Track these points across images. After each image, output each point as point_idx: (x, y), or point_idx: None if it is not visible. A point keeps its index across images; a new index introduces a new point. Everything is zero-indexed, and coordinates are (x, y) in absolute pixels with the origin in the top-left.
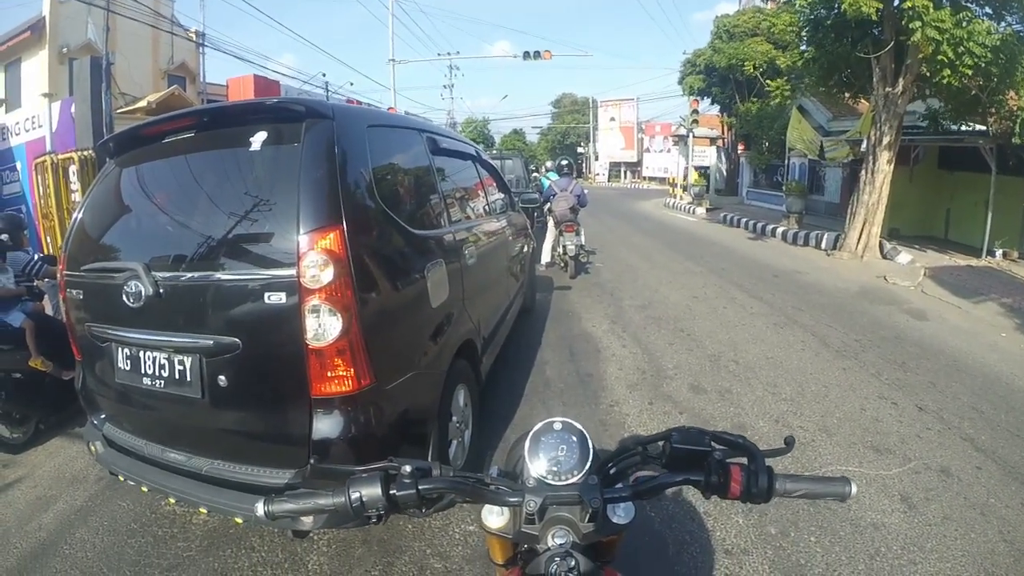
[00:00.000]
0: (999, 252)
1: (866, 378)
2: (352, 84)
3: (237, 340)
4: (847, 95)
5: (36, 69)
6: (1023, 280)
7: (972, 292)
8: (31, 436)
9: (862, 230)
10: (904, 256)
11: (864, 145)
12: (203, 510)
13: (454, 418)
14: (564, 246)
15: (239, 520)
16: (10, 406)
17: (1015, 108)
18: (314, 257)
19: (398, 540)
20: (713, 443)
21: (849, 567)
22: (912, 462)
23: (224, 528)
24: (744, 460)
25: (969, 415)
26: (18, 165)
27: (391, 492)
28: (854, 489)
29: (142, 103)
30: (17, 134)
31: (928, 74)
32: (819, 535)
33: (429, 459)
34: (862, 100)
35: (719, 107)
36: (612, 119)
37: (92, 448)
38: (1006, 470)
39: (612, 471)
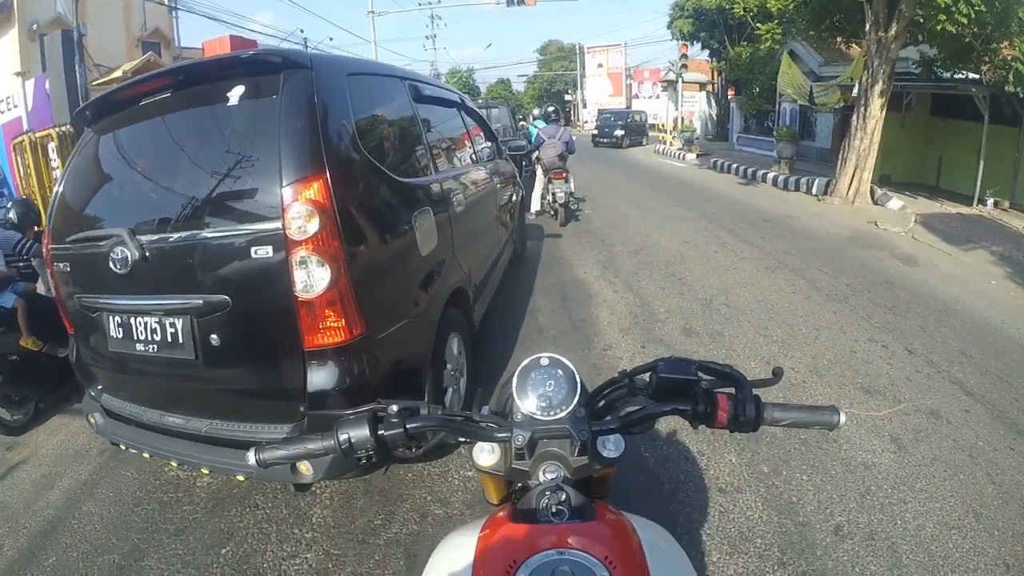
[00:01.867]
0: (990, 201)
1: (856, 321)
2: (332, 39)
3: (226, 298)
4: (839, 40)
5: (6, 48)
6: (1013, 229)
7: (962, 240)
8: (31, 417)
9: (853, 176)
10: (895, 202)
11: (855, 91)
12: (205, 471)
13: (448, 366)
14: (553, 193)
15: (241, 478)
16: (8, 388)
17: (1009, 57)
18: (299, 208)
19: (399, 489)
20: (700, 372)
21: (840, 505)
22: (902, 404)
23: (228, 488)
24: (732, 390)
25: (958, 359)
26: None
27: (379, 432)
28: (842, 418)
29: (117, 73)
30: None
31: (922, 19)
32: (810, 473)
33: None
34: (854, 45)
35: (709, 52)
36: (600, 65)
37: (91, 420)
38: (994, 414)
39: (600, 404)
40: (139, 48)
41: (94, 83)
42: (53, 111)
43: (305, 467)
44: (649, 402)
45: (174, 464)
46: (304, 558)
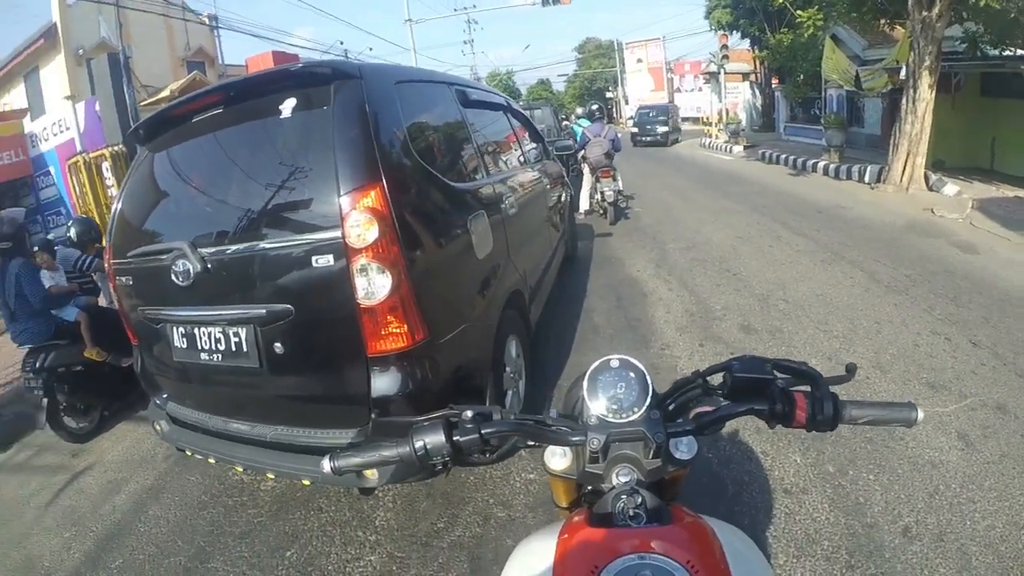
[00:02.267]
0: None
1: (918, 313)
2: (371, 49)
3: (289, 306)
4: (882, 22)
5: (55, 74)
6: None
7: (1022, 224)
8: (96, 424)
9: (906, 162)
10: (950, 188)
11: (903, 73)
12: (270, 475)
13: (507, 369)
14: (602, 192)
15: (306, 482)
16: (74, 398)
17: None
18: (357, 216)
19: (461, 492)
20: (775, 371)
21: (908, 505)
22: (968, 399)
23: (292, 492)
24: (807, 388)
25: None
26: (51, 169)
27: (454, 438)
28: (920, 414)
29: (164, 92)
30: (46, 139)
31: None
32: (877, 473)
33: None
34: (898, 26)
35: (749, 41)
36: (639, 60)
37: (157, 427)
38: None
39: (672, 406)
40: (184, 67)
41: (143, 103)
42: (105, 132)
43: (371, 472)
44: (723, 403)
45: (239, 469)
46: (368, 560)
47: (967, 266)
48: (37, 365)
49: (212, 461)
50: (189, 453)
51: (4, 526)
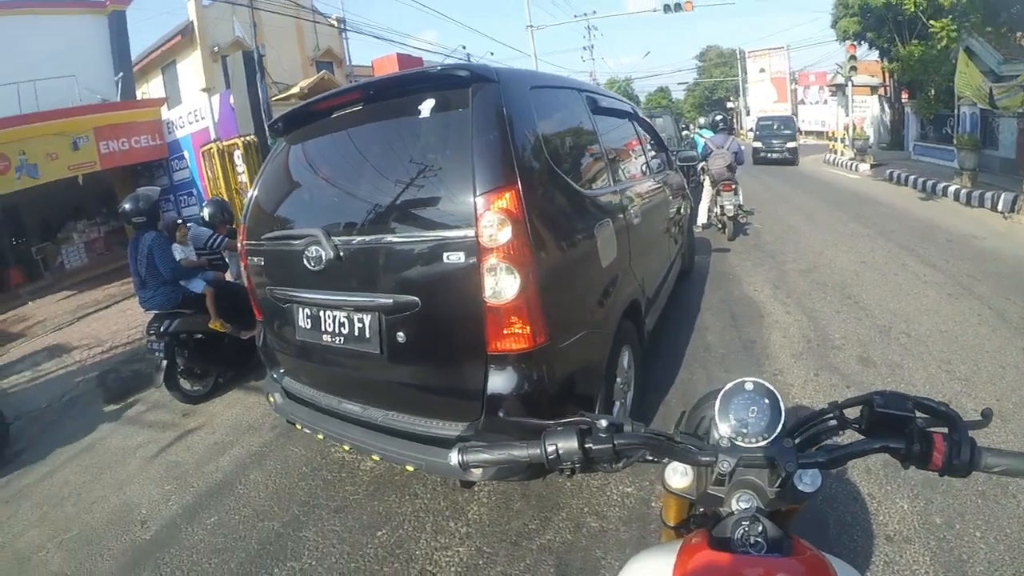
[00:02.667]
0: None
1: None
2: (492, 54)
3: (416, 299)
4: (1019, 35)
5: (191, 68)
6: None
7: None
8: (210, 389)
9: None
10: None
11: None
12: (375, 457)
13: (619, 379)
14: (722, 206)
15: (410, 468)
16: (192, 362)
17: None
18: (491, 217)
19: (556, 496)
20: (916, 410)
21: (1012, 568)
22: None
23: (390, 475)
24: (944, 430)
25: None
26: (186, 154)
27: (586, 445)
28: None
29: (295, 89)
30: (182, 127)
31: None
32: (984, 530)
33: None
34: None
35: (878, 52)
36: (762, 70)
37: (271, 399)
38: None
39: (798, 438)
40: (313, 67)
41: (274, 99)
42: (238, 123)
43: None
44: (857, 437)
45: (346, 448)
46: (456, 551)
47: None
48: (161, 329)
49: (320, 437)
50: (299, 427)
51: (108, 471)
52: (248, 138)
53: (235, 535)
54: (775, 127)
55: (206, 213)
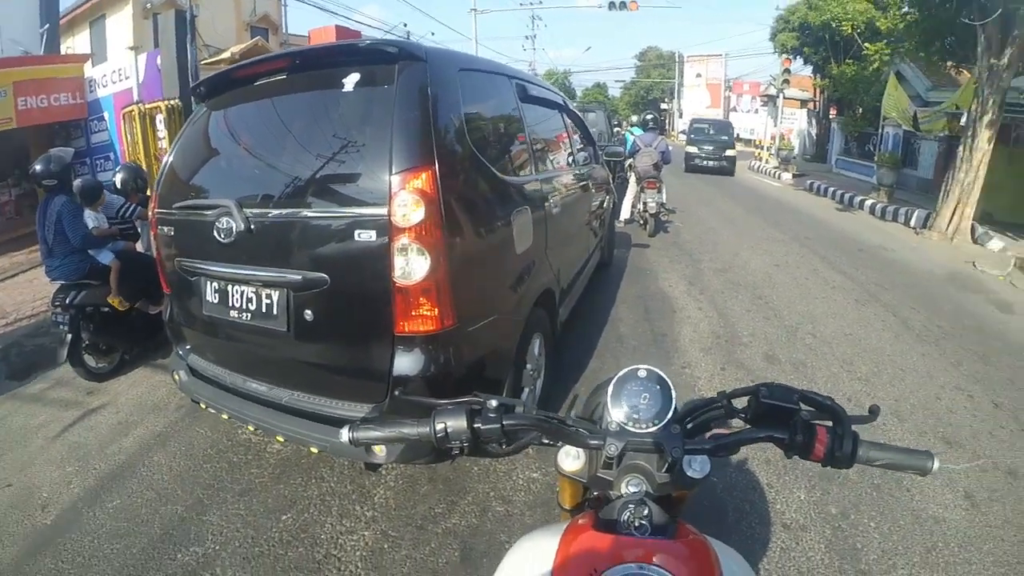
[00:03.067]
0: None
1: (945, 367)
2: (433, 34)
3: (325, 276)
4: (949, 64)
5: (120, 24)
6: None
7: None
8: (116, 366)
9: (954, 211)
10: (996, 243)
11: (964, 119)
12: (280, 438)
13: (528, 366)
14: (645, 203)
15: (314, 449)
16: (97, 337)
17: None
18: (405, 197)
19: (463, 480)
20: (801, 402)
21: (904, 557)
22: (981, 459)
23: (296, 457)
24: (829, 423)
25: None
26: (105, 115)
27: (475, 425)
28: (936, 464)
29: (226, 54)
30: (104, 86)
31: None
32: (878, 521)
33: None
34: (964, 71)
35: (812, 68)
36: (698, 75)
37: (176, 377)
38: None
39: (691, 424)
40: (248, 32)
41: (204, 62)
42: (163, 85)
43: (380, 448)
44: (744, 426)
45: (251, 428)
46: (361, 535)
47: (1002, 325)
48: (67, 301)
49: (225, 417)
50: (203, 406)
51: (8, 452)
52: (172, 102)
53: (138, 519)
54: (709, 131)
55: (118, 180)
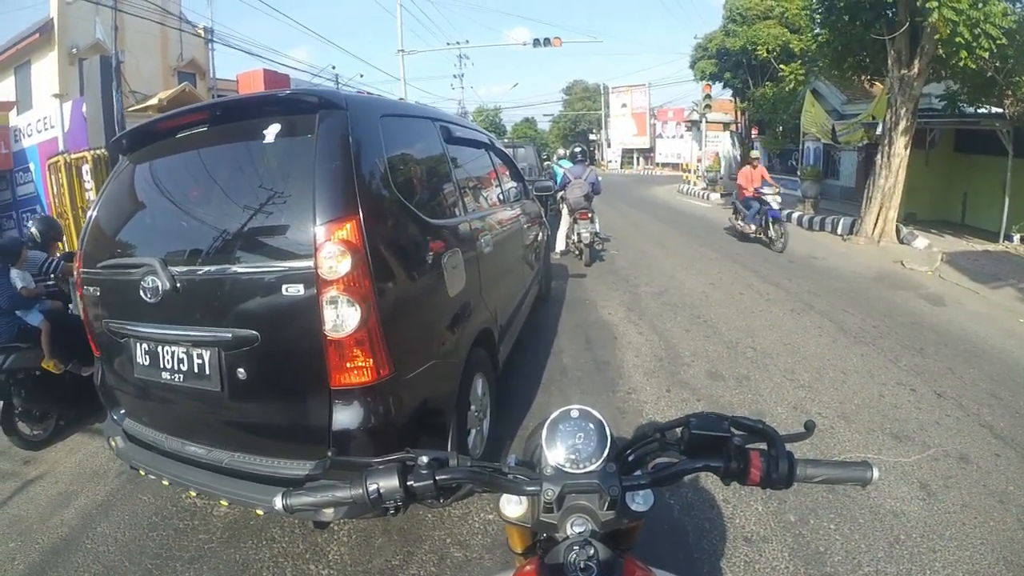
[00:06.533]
0: (1016, 237)
1: (884, 364)
2: (362, 76)
3: (255, 333)
4: (862, 78)
5: (46, 70)
6: None
7: (990, 277)
8: (51, 433)
9: (878, 215)
10: (921, 241)
11: (880, 128)
12: (224, 502)
13: (472, 407)
14: (579, 233)
15: (260, 512)
16: (30, 403)
17: None
18: (331, 248)
19: (418, 529)
20: (732, 428)
21: (869, 555)
22: (931, 449)
23: (245, 520)
24: (764, 445)
25: (988, 402)
26: (31, 166)
27: (408, 483)
28: (875, 474)
29: (153, 100)
30: (29, 135)
31: (944, 56)
32: (838, 522)
33: (449, 448)
34: (876, 83)
35: (732, 92)
36: (624, 105)
37: (112, 443)
38: None
39: (630, 458)
40: (175, 77)
41: (130, 109)
42: (89, 134)
43: None
44: (680, 457)
45: (193, 493)
46: None
47: (934, 318)
48: None
49: (166, 483)
50: (143, 472)
51: None
52: (98, 151)
53: None
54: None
55: (36, 233)
